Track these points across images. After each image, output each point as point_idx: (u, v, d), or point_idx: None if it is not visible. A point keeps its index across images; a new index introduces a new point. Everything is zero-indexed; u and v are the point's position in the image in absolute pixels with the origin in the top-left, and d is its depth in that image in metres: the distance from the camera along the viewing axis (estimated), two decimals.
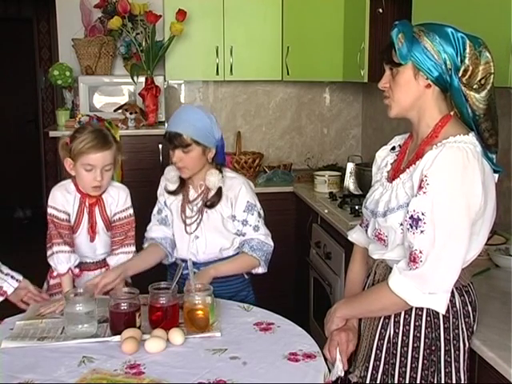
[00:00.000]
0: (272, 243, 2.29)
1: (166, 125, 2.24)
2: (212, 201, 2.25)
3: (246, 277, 2.35)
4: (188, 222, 2.28)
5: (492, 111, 1.55)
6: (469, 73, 1.51)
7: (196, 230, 2.27)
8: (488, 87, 1.52)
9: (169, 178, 2.30)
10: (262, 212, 2.30)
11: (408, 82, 1.55)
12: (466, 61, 1.50)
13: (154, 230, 2.34)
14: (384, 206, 1.61)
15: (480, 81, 1.52)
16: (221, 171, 2.26)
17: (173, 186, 2.31)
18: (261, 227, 2.27)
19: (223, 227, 2.26)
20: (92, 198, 2.22)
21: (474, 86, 1.52)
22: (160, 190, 2.38)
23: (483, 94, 1.52)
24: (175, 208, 2.32)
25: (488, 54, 1.52)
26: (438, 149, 1.49)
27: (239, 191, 2.25)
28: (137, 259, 2.25)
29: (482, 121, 1.54)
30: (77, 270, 2.22)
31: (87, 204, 2.21)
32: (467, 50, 1.50)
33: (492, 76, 1.52)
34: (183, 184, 2.30)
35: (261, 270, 2.28)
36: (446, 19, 1.65)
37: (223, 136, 2.29)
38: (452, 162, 1.47)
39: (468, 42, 1.50)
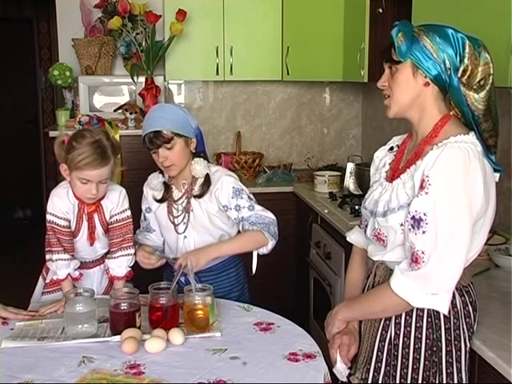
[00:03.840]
0: (272, 216, 2.23)
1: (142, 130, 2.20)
2: (201, 190, 2.21)
3: (235, 272, 2.32)
4: (176, 221, 2.27)
5: (492, 112, 1.55)
6: (468, 73, 1.52)
7: (186, 229, 2.25)
8: (487, 88, 1.53)
9: (153, 187, 2.28)
10: (252, 196, 2.26)
11: (407, 79, 1.56)
12: (466, 61, 1.51)
13: (143, 239, 2.35)
14: (384, 206, 1.61)
15: (479, 82, 1.52)
16: (205, 159, 2.25)
17: (159, 194, 2.29)
18: (255, 206, 2.23)
19: (211, 224, 2.24)
20: (91, 205, 2.16)
21: (474, 87, 1.52)
22: (144, 202, 2.35)
23: (482, 94, 1.53)
24: (163, 212, 2.29)
25: (487, 55, 1.52)
26: (440, 149, 1.49)
27: (220, 181, 2.21)
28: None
29: (482, 121, 1.55)
30: (77, 273, 2.19)
31: (86, 211, 2.16)
32: (466, 50, 1.51)
33: (491, 77, 1.53)
34: (167, 189, 2.28)
35: (270, 245, 2.20)
36: (446, 19, 1.65)
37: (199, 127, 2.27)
38: (453, 162, 1.47)
39: (468, 42, 1.51)
